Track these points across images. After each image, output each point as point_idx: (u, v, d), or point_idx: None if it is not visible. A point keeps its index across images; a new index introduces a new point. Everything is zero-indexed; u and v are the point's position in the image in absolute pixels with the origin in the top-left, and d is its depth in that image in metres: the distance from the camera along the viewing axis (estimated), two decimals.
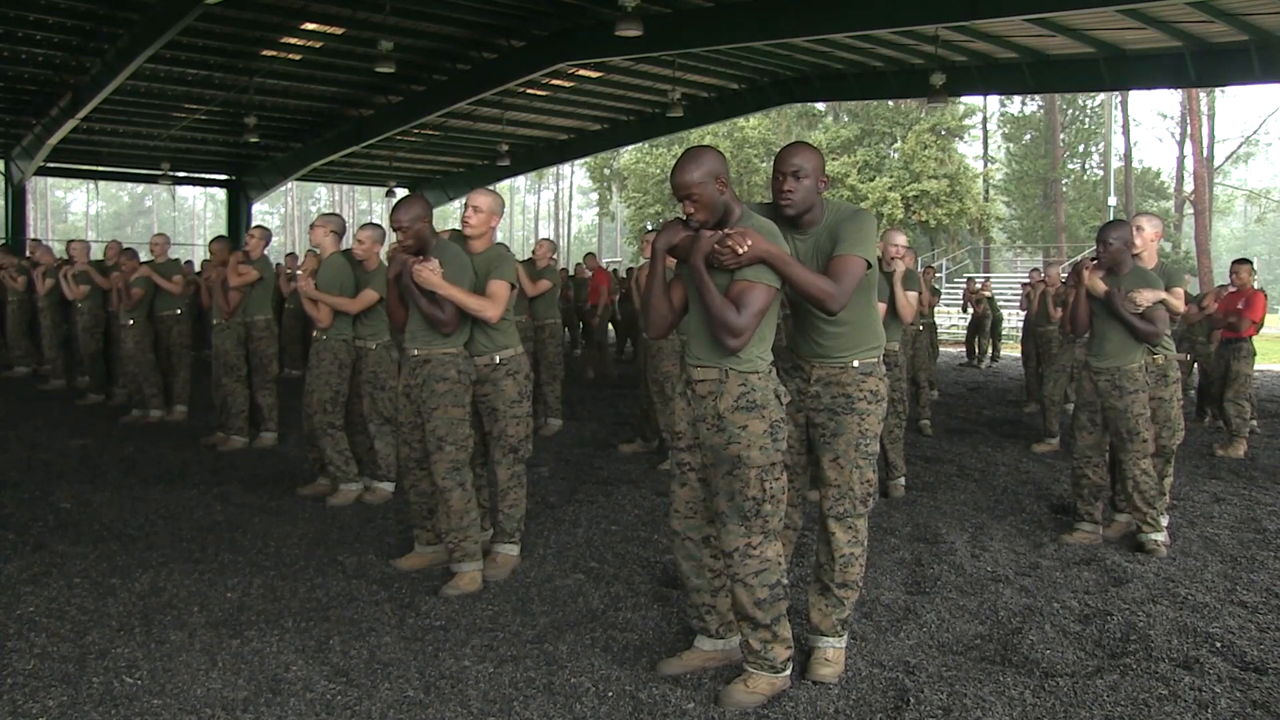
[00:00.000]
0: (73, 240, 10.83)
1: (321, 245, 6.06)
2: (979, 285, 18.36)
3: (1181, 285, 5.68)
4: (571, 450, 7.90)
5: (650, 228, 36.44)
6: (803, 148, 3.46)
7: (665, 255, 3.33)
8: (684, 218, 3.28)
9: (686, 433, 3.40)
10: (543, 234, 64.23)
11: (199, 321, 10.27)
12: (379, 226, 6.00)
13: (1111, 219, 5.21)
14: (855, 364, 3.53)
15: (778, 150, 3.49)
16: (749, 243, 3.13)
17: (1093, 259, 5.35)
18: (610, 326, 18.77)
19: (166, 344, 8.98)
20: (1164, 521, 5.29)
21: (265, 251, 7.76)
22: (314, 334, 6.14)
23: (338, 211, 65.41)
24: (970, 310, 18.25)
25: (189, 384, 9.11)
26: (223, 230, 26.02)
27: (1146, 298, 5.04)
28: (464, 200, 4.63)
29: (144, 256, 9.19)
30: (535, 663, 3.60)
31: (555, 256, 9.57)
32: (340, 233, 6.11)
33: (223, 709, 3.22)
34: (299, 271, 5.83)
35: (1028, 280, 14.30)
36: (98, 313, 10.06)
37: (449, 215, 64.93)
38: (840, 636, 3.58)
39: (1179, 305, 5.50)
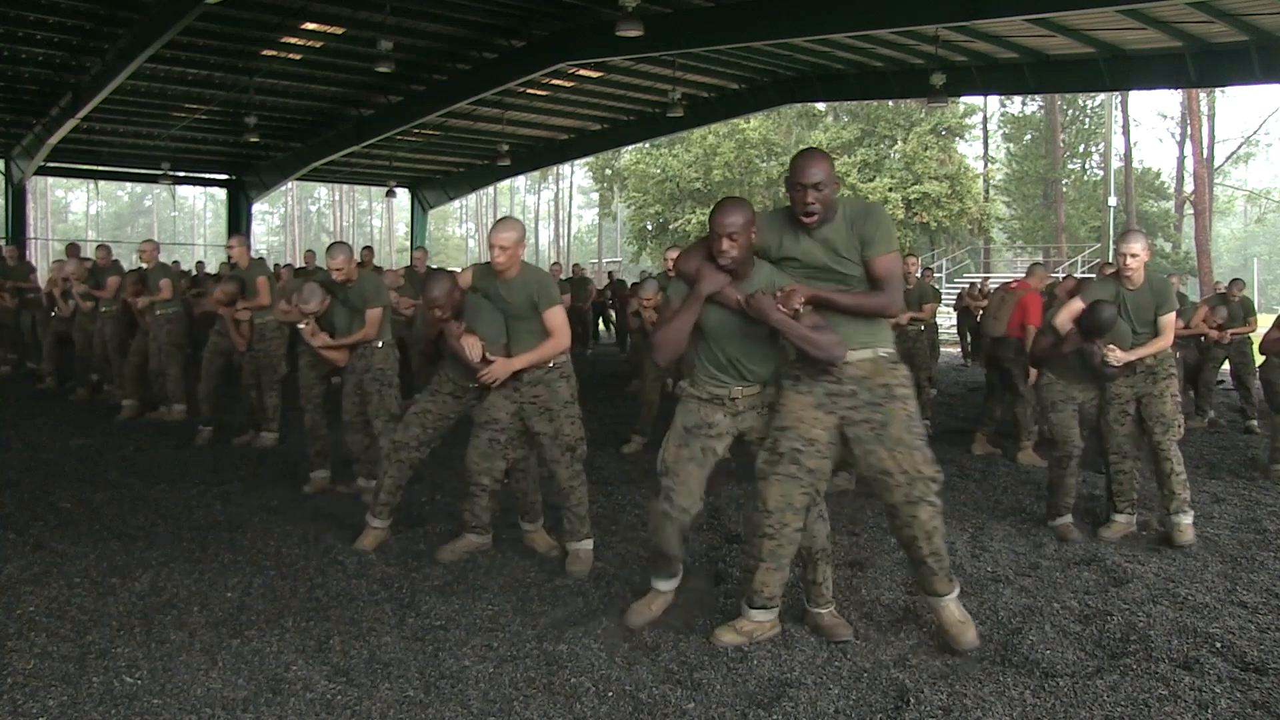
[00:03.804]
0: (61, 261, 11.15)
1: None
2: (979, 287, 18.34)
3: (1173, 307, 5.42)
4: None
5: (655, 232, 36.41)
6: (818, 159, 3.58)
7: (703, 299, 3.61)
8: (702, 240, 3.62)
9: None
10: (542, 234, 64.33)
11: (193, 322, 10.41)
12: (347, 245, 6.03)
13: (1095, 300, 5.14)
14: (883, 353, 3.68)
15: (784, 154, 3.61)
16: (801, 299, 3.51)
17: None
18: (609, 326, 18.81)
19: (159, 343, 9.01)
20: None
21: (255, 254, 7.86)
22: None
23: (334, 210, 65.45)
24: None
25: (181, 382, 9.12)
26: (222, 230, 26.04)
27: (1119, 357, 5.18)
28: (488, 240, 4.72)
29: (137, 262, 9.29)
30: (535, 663, 3.60)
31: (560, 270, 9.63)
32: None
33: (223, 709, 3.22)
34: (301, 327, 5.97)
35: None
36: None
37: (449, 214, 65.06)
38: (954, 586, 3.81)
39: (1169, 339, 5.37)
